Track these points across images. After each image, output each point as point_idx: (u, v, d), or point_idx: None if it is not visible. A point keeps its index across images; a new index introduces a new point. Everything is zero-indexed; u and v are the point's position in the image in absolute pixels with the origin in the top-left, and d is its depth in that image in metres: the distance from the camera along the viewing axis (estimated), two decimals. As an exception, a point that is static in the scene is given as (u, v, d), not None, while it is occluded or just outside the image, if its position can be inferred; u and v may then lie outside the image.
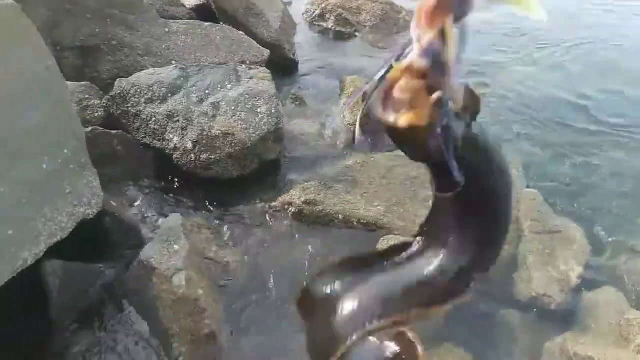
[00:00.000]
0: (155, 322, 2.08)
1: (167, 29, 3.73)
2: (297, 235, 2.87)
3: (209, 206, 2.93)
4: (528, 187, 3.26)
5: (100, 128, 2.88)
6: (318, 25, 5.67)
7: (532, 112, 4.24)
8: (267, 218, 2.94)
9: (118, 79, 3.08)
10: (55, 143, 2.17)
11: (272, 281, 2.60)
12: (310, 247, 2.78)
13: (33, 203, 2.01)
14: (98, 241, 2.42)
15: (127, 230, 2.50)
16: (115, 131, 2.93)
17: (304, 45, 5.12)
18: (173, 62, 3.32)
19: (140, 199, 2.81)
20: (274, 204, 2.94)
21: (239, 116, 2.99)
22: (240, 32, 4.05)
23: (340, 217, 2.83)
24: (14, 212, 1.93)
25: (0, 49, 1.98)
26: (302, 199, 2.85)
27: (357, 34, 5.55)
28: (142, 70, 3.22)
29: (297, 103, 3.87)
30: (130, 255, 2.37)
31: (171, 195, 2.91)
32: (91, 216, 2.25)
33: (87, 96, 3.07)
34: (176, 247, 2.18)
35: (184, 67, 3.18)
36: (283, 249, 2.82)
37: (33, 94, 2.10)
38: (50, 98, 2.18)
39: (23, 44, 2.09)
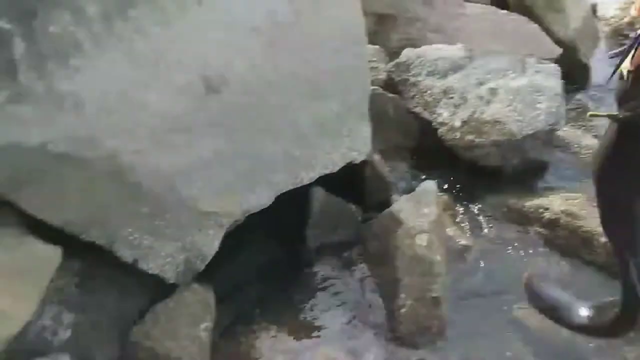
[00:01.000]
0: (388, 268, 2.21)
1: (461, 10, 3.78)
2: (542, 243, 2.68)
3: (458, 186, 2.94)
4: None
5: (380, 89, 3.11)
6: (622, 35, 5.02)
7: None
8: (514, 216, 2.80)
9: (406, 49, 3.26)
10: (347, 89, 2.42)
11: (498, 281, 2.49)
12: (555, 262, 2.56)
13: (318, 136, 2.30)
14: (355, 185, 2.67)
15: (381, 182, 2.68)
16: (392, 95, 3.13)
17: (602, 53, 4.61)
18: (460, 43, 3.36)
19: (399, 159, 2.97)
20: (527, 204, 2.78)
21: (514, 107, 2.88)
22: (535, 25, 3.86)
23: (601, 240, 2.52)
24: (303, 139, 2.24)
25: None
26: (562, 208, 2.63)
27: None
28: (429, 45, 3.35)
29: (579, 110, 3.54)
30: (380, 206, 2.55)
31: (426, 164, 3.00)
32: (357, 161, 2.48)
33: (375, 59, 3.34)
34: (426, 210, 2.26)
35: (470, 49, 3.19)
36: (522, 251, 2.66)
37: (341, 42, 2.36)
38: (353, 49, 2.43)
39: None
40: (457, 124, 2.91)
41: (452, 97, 2.99)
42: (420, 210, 2.26)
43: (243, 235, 2.24)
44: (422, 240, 2.16)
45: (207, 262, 2.03)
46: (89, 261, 1.98)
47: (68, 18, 1.43)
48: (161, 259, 1.95)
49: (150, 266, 1.94)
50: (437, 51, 3.20)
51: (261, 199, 2.08)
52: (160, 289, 2.09)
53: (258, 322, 2.24)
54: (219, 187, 1.94)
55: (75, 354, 1.80)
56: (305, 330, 2.22)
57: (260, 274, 2.42)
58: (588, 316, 1.86)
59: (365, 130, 2.50)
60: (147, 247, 1.91)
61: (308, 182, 2.27)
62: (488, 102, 2.92)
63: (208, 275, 2.12)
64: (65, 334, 1.84)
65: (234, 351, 2.13)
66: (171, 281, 2.01)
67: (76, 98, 1.46)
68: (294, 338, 2.18)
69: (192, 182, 1.83)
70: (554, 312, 2.03)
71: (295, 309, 2.32)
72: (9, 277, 1.53)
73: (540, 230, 2.70)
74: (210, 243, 2.00)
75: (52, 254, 1.63)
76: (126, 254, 1.89)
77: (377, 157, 2.68)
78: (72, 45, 1.44)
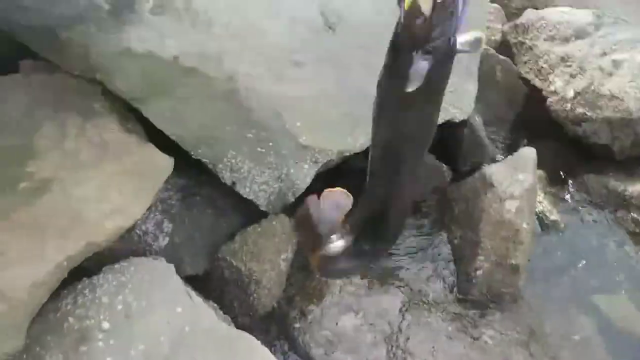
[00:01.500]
0: (471, 230, 2.20)
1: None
2: (638, 231, 2.54)
3: (559, 160, 2.81)
4: None
5: (492, 50, 2.98)
6: None
7: None
8: (613, 199, 2.66)
9: (528, 10, 3.08)
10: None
11: (581, 264, 2.41)
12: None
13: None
14: (449, 144, 2.63)
15: (477, 146, 2.62)
16: (503, 57, 2.99)
17: None
18: (589, 7, 3.11)
19: (499, 125, 2.88)
20: (630, 189, 2.62)
21: (637, 83, 2.66)
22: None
23: None
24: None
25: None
26: (669, 199, 2.46)
27: None
28: (554, 7, 3.13)
29: None
30: (471, 170, 2.51)
31: (528, 134, 2.90)
32: (457, 120, 2.43)
33: (492, 18, 3.19)
34: (521, 176, 2.20)
35: (600, 15, 2.95)
36: (613, 237, 2.55)
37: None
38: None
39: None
40: (570, 94, 2.75)
41: (569, 66, 2.81)
42: (515, 175, 2.20)
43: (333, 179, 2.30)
44: (511, 205, 2.12)
45: (297, 195, 2.12)
46: (193, 180, 2.14)
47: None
48: (257, 185, 2.06)
49: (246, 190, 2.05)
50: (562, 14, 2.99)
51: (358, 142, 2.12)
52: (251, 214, 2.23)
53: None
54: (321, 124, 1.99)
55: (169, 261, 1.98)
56: (376, 274, 2.28)
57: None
58: None
59: (471, 90, 2.43)
60: (246, 172, 2.01)
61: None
62: (609, 75, 2.72)
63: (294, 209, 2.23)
64: (163, 241, 2.02)
65: (306, 284, 2.24)
66: (262, 208, 2.12)
67: (208, 17, 1.54)
68: (362, 278, 2.26)
69: (297, 114, 1.90)
70: None
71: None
72: (128, 177, 1.69)
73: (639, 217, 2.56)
74: (304, 177, 2.08)
75: (166, 163, 1.78)
76: (226, 176, 2.01)
77: (477, 120, 2.61)
78: (211, -33, 1.51)
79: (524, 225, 2.12)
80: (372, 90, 2.08)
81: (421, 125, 1.46)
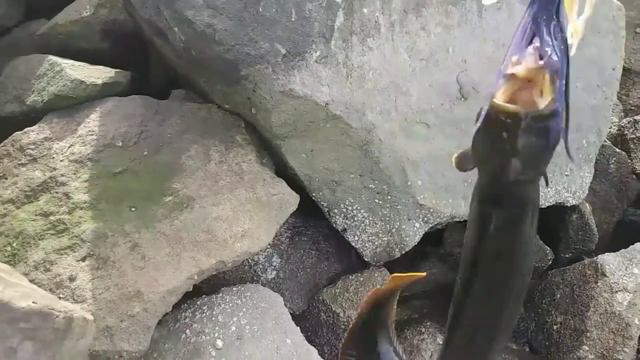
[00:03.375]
0: (575, 317, 2.12)
1: None
2: None
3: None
4: None
5: (608, 142, 2.95)
6: None
7: None
8: None
9: (645, 106, 3.06)
10: (584, 127, 2.39)
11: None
12: None
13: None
14: (555, 228, 2.59)
15: (586, 232, 2.55)
16: (618, 150, 2.95)
17: None
18: None
19: (602, 212, 2.82)
20: None
21: None
22: None
23: None
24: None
25: None
26: None
27: None
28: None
29: None
30: (575, 256, 2.45)
31: (631, 226, 2.80)
32: (569, 204, 2.41)
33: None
34: (636, 270, 2.12)
35: None
36: None
37: (595, 81, 2.34)
38: (603, 91, 2.39)
39: None
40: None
41: (687, 167, 2.73)
42: (630, 268, 2.13)
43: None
44: (623, 298, 2.04)
45: (403, 252, 2.15)
46: (302, 219, 2.23)
47: (378, 4, 1.65)
48: (366, 236, 2.11)
49: (355, 239, 2.12)
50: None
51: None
52: (350, 262, 2.28)
53: (426, 325, 2.30)
54: (439, 186, 2.05)
55: (272, 295, 2.04)
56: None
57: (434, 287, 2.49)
58: None
59: (586, 176, 2.42)
60: (359, 221, 2.08)
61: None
62: None
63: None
64: (270, 275, 2.10)
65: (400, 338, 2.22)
66: (366, 259, 2.16)
67: (362, 72, 1.67)
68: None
69: (419, 172, 1.96)
70: None
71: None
72: (259, 206, 1.80)
73: None
74: (413, 235, 2.12)
75: (293, 199, 1.88)
76: (339, 221, 2.09)
77: (587, 207, 2.57)
78: (373, 27, 1.65)
79: (636, 321, 2.02)
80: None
81: None
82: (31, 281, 1.47)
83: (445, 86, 1.91)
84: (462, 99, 1.96)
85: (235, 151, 1.88)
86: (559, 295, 2.31)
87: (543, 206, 2.32)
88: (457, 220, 2.17)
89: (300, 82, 1.60)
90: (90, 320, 1.29)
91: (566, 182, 2.35)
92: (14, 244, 1.62)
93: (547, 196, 2.32)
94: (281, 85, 1.59)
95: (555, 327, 2.26)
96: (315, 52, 1.59)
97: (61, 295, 1.49)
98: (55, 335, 1.20)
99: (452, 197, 2.09)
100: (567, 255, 2.54)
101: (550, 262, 2.52)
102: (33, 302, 1.19)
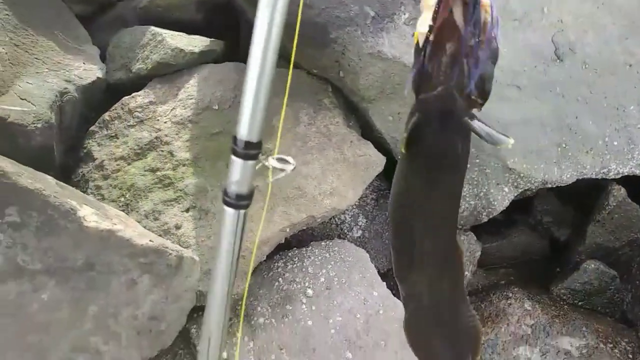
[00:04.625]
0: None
1: None
2: None
3: None
4: None
5: None
6: None
7: None
8: None
9: None
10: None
11: None
12: None
13: None
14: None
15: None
16: None
17: None
18: None
19: None
20: None
21: None
22: None
23: None
24: (625, 129, 2.12)
25: None
26: None
27: None
28: None
29: None
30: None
31: None
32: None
33: None
34: None
35: None
36: None
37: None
38: None
39: None
40: None
41: None
42: None
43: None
44: None
45: (491, 217, 2.13)
46: (386, 183, 2.27)
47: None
48: (452, 199, 2.11)
49: (440, 202, 2.11)
50: None
51: (564, 175, 2.07)
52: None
53: (513, 291, 2.27)
54: (530, 150, 1.99)
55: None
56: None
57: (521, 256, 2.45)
58: None
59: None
60: (445, 184, 2.08)
61: (614, 177, 2.16)
62: None
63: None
64: (356, 233, 2.17)
65: (481, 306, 2.22)
66: (451, 222, 2.16)
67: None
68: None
69: (510, 136, 1.92)
70: None
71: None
72: (346, 165, 1.86)
73: None
74: (502, 200, 2.08)
75: (379, 160, 1.92)
76: (425, 186, 2.09)
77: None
78: None
79: None
80: (587, 126, 2.05)
81: None
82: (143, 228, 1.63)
83: (539, 47, 1.85)
84: (558, 60, 1.89)
85: (323, 114, 1.94)
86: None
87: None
88: (550, 186, 2.11)
89: (388, 44, 1.61)
90: (197, 260, 1.42)
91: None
92: (127, 195, 1.79)
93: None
94: (370, 47, 1.62)
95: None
96: (404, 14, 1.60)
97: (169, 241, 1.64)
98: (169, 270, 1.34)
99: (544, 162, 2.03)
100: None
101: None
102: (150, 241, 1.34)
